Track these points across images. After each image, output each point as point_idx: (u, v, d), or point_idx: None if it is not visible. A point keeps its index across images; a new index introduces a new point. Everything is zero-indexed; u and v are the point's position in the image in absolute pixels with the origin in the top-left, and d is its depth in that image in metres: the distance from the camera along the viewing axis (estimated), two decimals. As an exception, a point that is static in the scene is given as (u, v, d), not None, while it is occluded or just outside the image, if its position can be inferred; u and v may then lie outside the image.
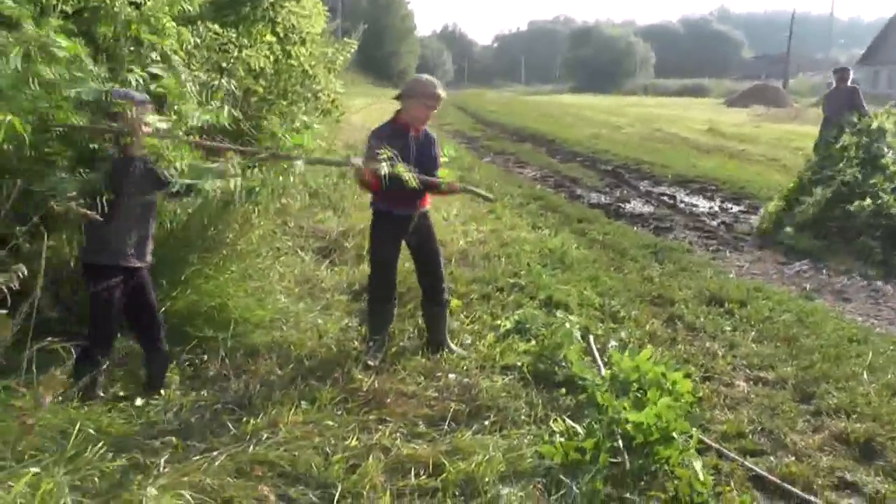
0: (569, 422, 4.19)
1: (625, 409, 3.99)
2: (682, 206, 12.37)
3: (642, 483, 3.77)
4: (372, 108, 25.38)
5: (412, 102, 5.27)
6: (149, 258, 4.56)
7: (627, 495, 3.63)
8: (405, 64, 69.17)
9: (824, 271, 8.37)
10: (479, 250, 8.46)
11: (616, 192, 13.72)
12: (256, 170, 4.92)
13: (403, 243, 5.49)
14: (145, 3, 5.20)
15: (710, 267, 8.24)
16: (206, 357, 5.06)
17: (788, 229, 9.52)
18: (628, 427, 3.90)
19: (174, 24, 5.42)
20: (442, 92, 5.31)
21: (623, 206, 12.24)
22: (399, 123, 5.33)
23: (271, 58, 7.00)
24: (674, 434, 3.83)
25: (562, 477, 3.70)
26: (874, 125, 10.32)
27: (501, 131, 27.30)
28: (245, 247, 6.24)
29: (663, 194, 13.48)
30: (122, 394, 4.52)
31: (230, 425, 4.14)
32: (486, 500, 3.55)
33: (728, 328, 6.26)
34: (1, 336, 4.05)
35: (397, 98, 5.40)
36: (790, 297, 7.17)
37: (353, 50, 9.12)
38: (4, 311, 4.29)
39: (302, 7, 7.97)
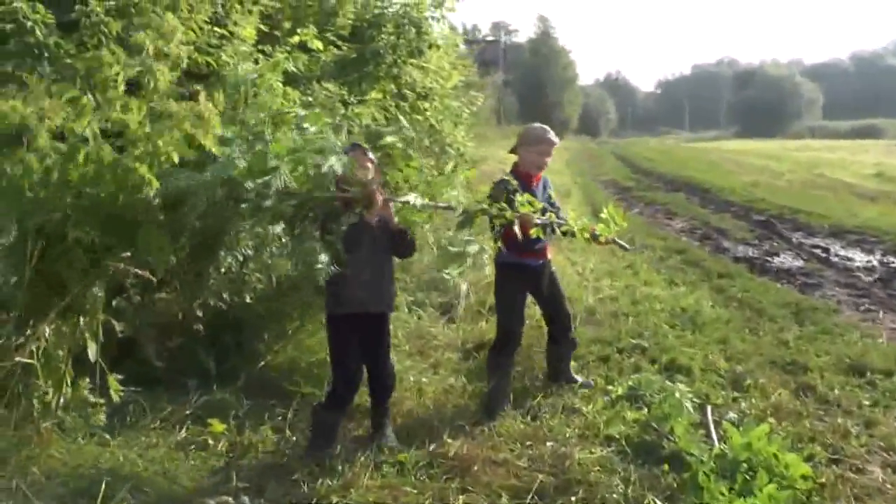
0: (662, 505, 3.85)
1: (723, 494, 3.64)
2: (835, 259, 11.49)
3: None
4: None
5: (527, 151, 5.44)
6: (389, 302, 4.82)
7: None
8: (567, 113, 68.63)
9: None
10: (607, 308, 8.16)
11: (765, 244, 12.95)
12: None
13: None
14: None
15: (857, 330, 7.54)
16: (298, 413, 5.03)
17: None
18: (724, 517, 3.55)
19: (280, 84, 5.53)
20: (555, 138, 5.44)
21: (771, 259, 11.53)
22: (520, 173, 5.37)
23: (385, 114, 7.05)
24: (774, 529, 3.45)
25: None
26: None
27: (656, 180, 26.66)
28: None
29: (816, 246, 12.59)
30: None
31: (303, 484, 4.08)
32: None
33: (867, 402, 5.62)
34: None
35: (512, 151, 5.58)
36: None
37: (478, 103, 9.09)
38: (119, 377, 4.50)
39: (426, 61, 8.04)
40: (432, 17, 8.25)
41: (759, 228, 14.72)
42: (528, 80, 61.65)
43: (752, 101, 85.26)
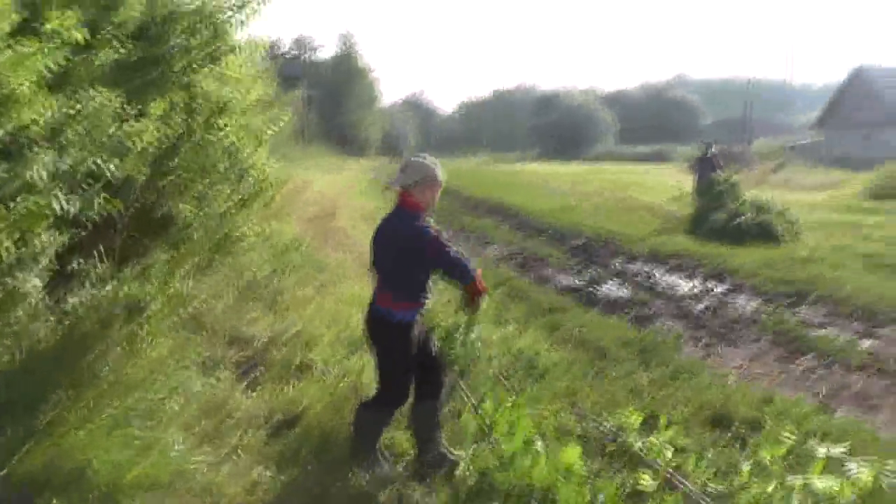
0: None
1: None
2: (661, 288, 11.13)
3: None
4: (330, 178, 24.31)
5: (426, 187, 4.63)
6: None
7: None
8: (368, 133, 67.85)
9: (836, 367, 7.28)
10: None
11: (588, 272, 12.42)
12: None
13: None
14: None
15: (705, 370, 7.02)
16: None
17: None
18: None
19: (32, 87, 4.19)
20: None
21: (596, 289, 11.03)
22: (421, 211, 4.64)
23: (173, 131, 5.75)
24: None
25: None
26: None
27: (462, 204, 25.36)
28: (133, 374, 4.87)
29: (638, 274, 12.27)
30: None
31: None
32: None
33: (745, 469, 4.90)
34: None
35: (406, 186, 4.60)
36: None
37: (285, 119, 7.90)
38: None
39: (226, 68, 6.79)
40: (233, 20, 6.85)
41: (578, 254, 14.25)
42: (329, 98, 60.49)
43: (552, 126, 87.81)
